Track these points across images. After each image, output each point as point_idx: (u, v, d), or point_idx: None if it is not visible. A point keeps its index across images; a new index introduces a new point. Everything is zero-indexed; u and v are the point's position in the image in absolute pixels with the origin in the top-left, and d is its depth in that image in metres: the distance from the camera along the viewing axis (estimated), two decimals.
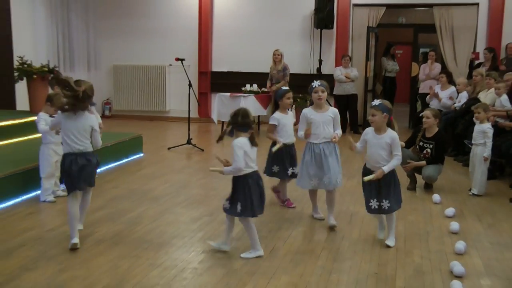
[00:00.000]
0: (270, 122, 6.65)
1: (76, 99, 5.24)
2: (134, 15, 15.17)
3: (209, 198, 7.15)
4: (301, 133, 6.09)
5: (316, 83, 6.07)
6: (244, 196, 5.06)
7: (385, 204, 5.43)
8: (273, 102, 6.89)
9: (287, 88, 6.64)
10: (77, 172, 5.30)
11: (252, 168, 5.11)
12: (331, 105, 6.38)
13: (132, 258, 5.10)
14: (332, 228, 6.01)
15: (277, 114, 6.63)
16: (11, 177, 6.91)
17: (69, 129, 5.33)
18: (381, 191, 5.43)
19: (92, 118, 5.54)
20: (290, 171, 6.69)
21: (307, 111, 6.12)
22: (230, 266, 4.95)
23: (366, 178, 5.43)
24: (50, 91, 7.56)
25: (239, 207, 5.05)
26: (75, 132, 5.32)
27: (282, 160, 6.65)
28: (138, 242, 5.53)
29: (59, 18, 13.72)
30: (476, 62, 12.78)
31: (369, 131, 5.59)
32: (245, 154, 5.03)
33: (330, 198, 6.18)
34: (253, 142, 5.11)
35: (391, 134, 5.42)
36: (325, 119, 6.03)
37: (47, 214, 6.56)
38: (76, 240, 5.31)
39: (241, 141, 5.06)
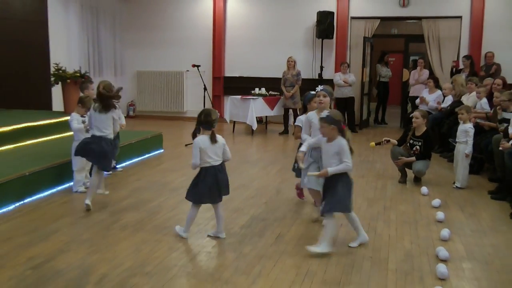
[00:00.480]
0: (295, 124, 6.46)
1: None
2: (155, 27, 15.18)
3: None
4: (304, 136, 5.88)
5: (319, 88, 5.91)
6: (194, 184, 5.18)
7: (322, 205, 5.04)
8: (302, 105, 6.60)
9: (314, 92, 6.16)
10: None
11: (209, 163, 5.10)
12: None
13: (153, 243, 5.12)
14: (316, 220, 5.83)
15: (303, 117, 6.18)
16: (48, 170, 6.94)
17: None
18: (324, 193, 5.12)
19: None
20: None
21: (310, 114, 5.88)
22: (240, 250, 4.95)
23: (310, 174, 5.42)
24: (81, 94, 7.56)
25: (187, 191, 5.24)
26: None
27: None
28: (159, 229, 5.55)
29: (90, 30, 13.75)
30: (455, 69, 12.79)
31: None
32: (203, 151, 5.05)
33: None
34: (212, 139, 5.08)
35: (339, 142, 4.98)
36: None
37: (79, 203, 6.57)
38: (87, 201, 6.07)
39: (200, 139, 5.09)
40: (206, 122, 5.08)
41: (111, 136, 6.40)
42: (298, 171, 6.30)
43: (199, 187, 5.14)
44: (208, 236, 5.34)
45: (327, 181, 5.03)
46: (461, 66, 12.51)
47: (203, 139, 5.09)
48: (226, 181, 5.27)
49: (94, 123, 6.33)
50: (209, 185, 5.12)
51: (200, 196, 5.18)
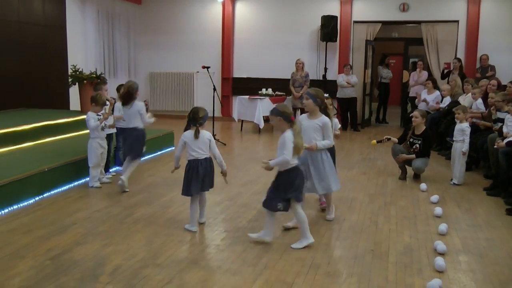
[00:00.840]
0: None
1: None
2: (167, 30, 15.18)
3: (229, 185, 7.13)
4: None
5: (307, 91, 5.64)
6: (184, 179, 5.31)
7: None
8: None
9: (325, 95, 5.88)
10: None
11: (193, 156, 5.26)
12: (336, 109, 6.14)
13: (165, 236, 5.12)
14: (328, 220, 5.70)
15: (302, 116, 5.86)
16: (65, 167, 6.95)
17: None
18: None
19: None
20: None
21: (302, 117, 5.66)
22: (247, 243, 4.94)
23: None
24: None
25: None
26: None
27: None
28: (170, 222, 5.55)
29: (105, 34, 13.77)
30: (446, 71, 12.77)
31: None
32: (187, 144, 5.26)
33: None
34: (195, 135, 5.21)
35: (283, 135, 4.79)
36: (312, 127, 5.39)
37: (94, 197, 6.60)
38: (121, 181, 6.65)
39: (185, 134, 5.29)
40: (193, 119, 5.26)
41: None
42: None
43: (185, 180, 5.30)
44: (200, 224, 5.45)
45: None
46: (451, 68, 12.54)
47: (188, 134, 5.28)
48: (209, 174, 5.36)
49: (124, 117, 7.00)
50: (192, 177, 5.25)
51: (186, 188, 5.30)
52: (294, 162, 4.81)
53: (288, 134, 4.76)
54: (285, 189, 4.79)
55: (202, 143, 5.27)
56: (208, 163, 5.34)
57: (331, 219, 5.75)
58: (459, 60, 12.39)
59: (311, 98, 5.39)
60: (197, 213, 5.39)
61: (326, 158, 5.53)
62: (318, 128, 5.37)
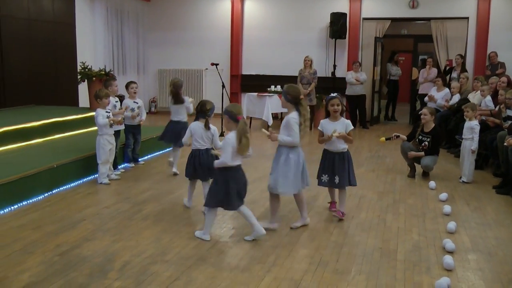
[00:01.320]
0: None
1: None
2: (176, 27, 15.21)
3: None
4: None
5: (333, 94, 5.63)
6: (187, 165, 5.79)
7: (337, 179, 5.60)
8: (325, 108, 5.89)
9: (333, 94, 5.65)
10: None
11: (195, 147, 5.69)
12: (345, 108, 6.10)
13: (173, 232, 5.13)
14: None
15: (323, 121, 5.68)
16: (74, 163, 6.99)
17: None
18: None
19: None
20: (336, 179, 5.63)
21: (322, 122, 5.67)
22: (256, 240, 4.94)
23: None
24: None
25: None
26: None
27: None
28: (178, 219, 5.56)
29: (114, 31, 13.81)
30: (448, 67, 12.72)
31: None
32: (193, 134, 5.65)
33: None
34: (206, 126, 5.64)
35: (227, 135, 4.83)
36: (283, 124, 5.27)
37: (103, 194, 6.62)
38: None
39: (193, 124, 5.68)
40: (201, 111, 5.65)
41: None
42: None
43: (188, 166, 5.78)
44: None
45: None
46: (454, 65, 12.51)
47: (195, 124, 5.67)
48: (206, 165, 5.64)
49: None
50: (193, 164, 5.70)
51: (188, 172, 5.82)
52: (235, 163, 4.81)
53: (230, 136, 4.78)
54: (220, 189, 4.82)
55: (207, 135, 5.70)
56: (208, 154, 5.68)
57: (294, 227, 5.33)
58: (462, 56, 12.39)
59: (282, 94, 5.27)
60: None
61: (292, 157, 5.16)
62: (284, 124, 5.18)
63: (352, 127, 5.60)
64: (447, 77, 12.19)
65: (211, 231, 5.03)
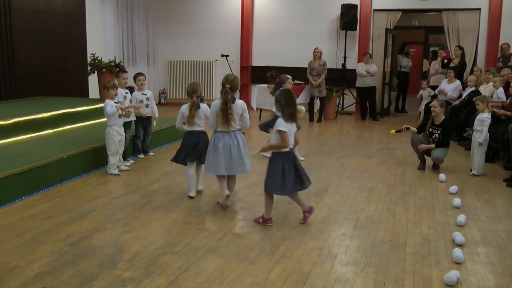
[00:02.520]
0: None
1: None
2: (186, 19, 15.19)
3: (248, 174, 7.14)
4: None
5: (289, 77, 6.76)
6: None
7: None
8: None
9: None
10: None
11: (188, 128, 6.06)
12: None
13: (183, 223, 5.15)
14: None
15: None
16: (84, 154, 7.03)
17: None
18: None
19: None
20: None
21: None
22: (265, 232, 4.96)
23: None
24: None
25: None
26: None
27: None
28: (188, 210, 5.59)
29: (124, 22, 13.82)
30: (446, 60, 12.64)
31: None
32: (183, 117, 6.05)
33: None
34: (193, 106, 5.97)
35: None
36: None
37: (113, 185, 6.66)
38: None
39: (183, 107, 6.06)
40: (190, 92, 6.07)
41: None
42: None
43: (181, 149, 6.17)
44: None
45: None
46: (452, 57, 12.44)
47: (184, 107, 6.06)
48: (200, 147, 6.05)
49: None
50: (189, 148, 6.07)
51: (182, 157, 6.16)
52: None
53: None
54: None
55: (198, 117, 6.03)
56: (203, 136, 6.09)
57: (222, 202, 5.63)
58: (461, 47, 12.34)
59: None
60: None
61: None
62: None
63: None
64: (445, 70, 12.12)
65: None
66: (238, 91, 5.95)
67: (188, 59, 15.26)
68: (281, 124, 4.96)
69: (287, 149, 5.02)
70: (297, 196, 5.25)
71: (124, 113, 7.17)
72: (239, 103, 5.64)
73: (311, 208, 5.29)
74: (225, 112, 5.47)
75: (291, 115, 4.99)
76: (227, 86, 5.47)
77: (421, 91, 12.62)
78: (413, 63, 15.57)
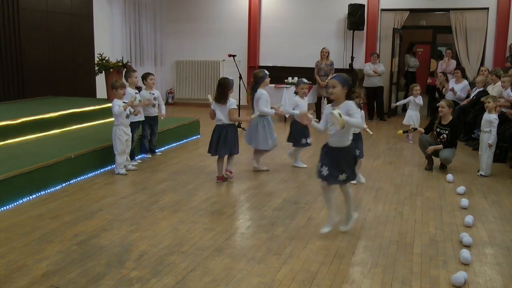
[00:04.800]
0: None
1: None
2: (193, 19, 15.21)
3: (255, 174, 7.16)
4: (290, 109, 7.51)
5: (305, 80, 7.49)
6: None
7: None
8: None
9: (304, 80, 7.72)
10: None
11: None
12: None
13: (190, 223, 5.16)
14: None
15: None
16: (92, 153, 7.04)
17: None
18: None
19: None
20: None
21: (297, 98, 7.46)
22: (272, 231, 4.96)
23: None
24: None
25: None
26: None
27: None
28: (195, 210, 5.59)
29: (131, 22, 13.85)
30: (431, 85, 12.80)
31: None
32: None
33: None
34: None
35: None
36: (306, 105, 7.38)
37: (120, 184, 6.67)
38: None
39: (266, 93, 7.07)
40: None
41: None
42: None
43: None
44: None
45: None
46: (440, 70, 12.55)
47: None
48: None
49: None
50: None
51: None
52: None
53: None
54: None
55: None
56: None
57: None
58: (450, 48, 12.69)
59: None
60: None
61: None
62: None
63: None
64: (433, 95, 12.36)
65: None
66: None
67: (196, 59, 15.29)
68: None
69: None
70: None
71: (133, 110, 7.18)
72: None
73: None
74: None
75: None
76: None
77: (411, 98, 10.13)
78: (420, 63, 15.53)
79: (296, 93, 7.62)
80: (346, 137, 4.72)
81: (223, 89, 6.49)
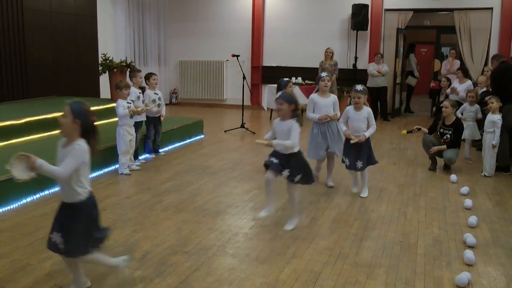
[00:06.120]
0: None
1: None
2: (197, 19, 15.23)
3: (259, 174, 7.16)
4: (311, 114, 6.54)
5: (324, 74, 6.60)
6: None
7: (359, 164, 6.11)
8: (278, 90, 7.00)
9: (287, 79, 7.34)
10: None
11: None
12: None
13: (194, 223, 5.16)
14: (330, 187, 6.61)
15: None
16: None
17: None
18: (359, 153, 6.11)
19: None
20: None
21: (313, 96, 6.62)
22: (276, 232, 4.96)
23: (353, 141, 6.03)
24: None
25: None
26: None
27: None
28: (199, 210, 5.60)
29: (135, 22, 13.87)
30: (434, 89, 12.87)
31: (349, 109, 6.28)
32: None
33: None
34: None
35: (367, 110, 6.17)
36: (327, 103, 6.51)
37: (123, 184, 6.68)
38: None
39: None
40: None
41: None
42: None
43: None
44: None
45: None
46: (446, 67, 12.54)
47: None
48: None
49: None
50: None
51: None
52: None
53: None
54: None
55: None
56: None
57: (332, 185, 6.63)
58: (454, 48, 12.30)
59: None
60: None
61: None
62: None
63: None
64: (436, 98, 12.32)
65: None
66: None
67: (199, 59, 15.31)
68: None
69: None
70: None
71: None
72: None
73: None
74: None
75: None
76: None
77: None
78: (424, 63, 15.49)
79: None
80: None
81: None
